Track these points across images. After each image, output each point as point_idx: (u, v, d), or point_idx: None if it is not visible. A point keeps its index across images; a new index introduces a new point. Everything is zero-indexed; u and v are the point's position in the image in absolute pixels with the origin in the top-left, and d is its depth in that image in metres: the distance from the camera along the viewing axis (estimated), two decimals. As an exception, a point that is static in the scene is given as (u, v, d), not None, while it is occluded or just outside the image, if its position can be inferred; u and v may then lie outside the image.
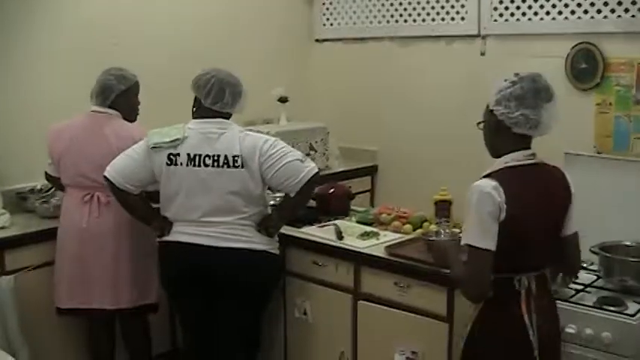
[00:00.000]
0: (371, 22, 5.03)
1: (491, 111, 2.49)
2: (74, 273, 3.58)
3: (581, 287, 3.02)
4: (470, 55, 4.49)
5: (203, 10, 4.88)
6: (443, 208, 3.55)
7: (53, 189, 4.00)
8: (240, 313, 3.41)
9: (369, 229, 3.64)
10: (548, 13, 4.11)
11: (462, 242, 2.49)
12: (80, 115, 3.67)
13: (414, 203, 3.62)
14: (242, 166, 3.20)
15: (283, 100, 4.94)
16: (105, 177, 3.30)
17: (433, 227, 3.52)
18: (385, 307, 3.29)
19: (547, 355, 2.48)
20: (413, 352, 3.23)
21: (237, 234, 3.28)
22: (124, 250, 3.60)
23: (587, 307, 2.84)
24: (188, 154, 3.22)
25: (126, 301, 3.62)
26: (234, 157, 3.18)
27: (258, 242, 3.33)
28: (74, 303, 3.60)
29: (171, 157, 3.23)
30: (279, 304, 3.75)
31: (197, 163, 3.21)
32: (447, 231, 3.40)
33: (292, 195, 3.29)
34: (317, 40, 5.42)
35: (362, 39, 5.07)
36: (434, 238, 3.34)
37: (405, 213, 3.68)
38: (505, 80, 2.48)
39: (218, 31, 4.92)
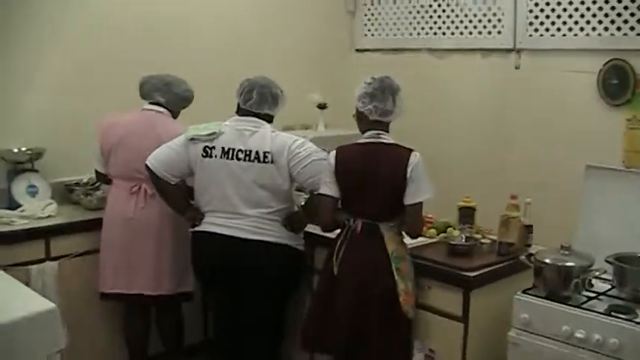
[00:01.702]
0: (410, 34, 5.13)
1: (356, 106, 3.29)
2: (119, 260, 3.77)
3: (594, 295, 3.09)
4: (505, 69, 4.54)
5: (248, 19, 5.04)
6: (466, 214, 3.66)
7: (98, 183, 4.20)
8: (263, 304, 3.56)
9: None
10: (582, 29, 4.14)
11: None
12: (132, 111, 3.87)
13: (440, 209, 3.72)
14: (271, 162, 3.40)
15: (322, 106, 5.08)
16: (146, 165, 3.51)
17: (456, 232, 3.64)
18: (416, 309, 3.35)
19: (344, 274, 3.24)
20: (430, 350, 3.34)
21: (263, 227, 3.45)
22: (166, 240, 3.79)
23: (597, 314, 2.90)
24: (222, 148, 3.42)
25: (166, 288, 3.81)
26: (264, 152, 3.38)
27: (283, 237, 3.51)
28: (117, 288, 3.79)
29: (207, 149, 3.44)
30: (304, 298, 3.85)
31: (230, 156, 3.41)
32: (469, 235, 3.54)
33: (315, 193, 3.43)
34: (357, 50, 5.54)
35: (400, 50, 5.18)
36: (455, 242, 3.49)
37: (430, 218, 3.79)
38: (363, 83, 3.27)
39: (261, 38, 5.08)
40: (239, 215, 3.45)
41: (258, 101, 3.49)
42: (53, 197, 4.12)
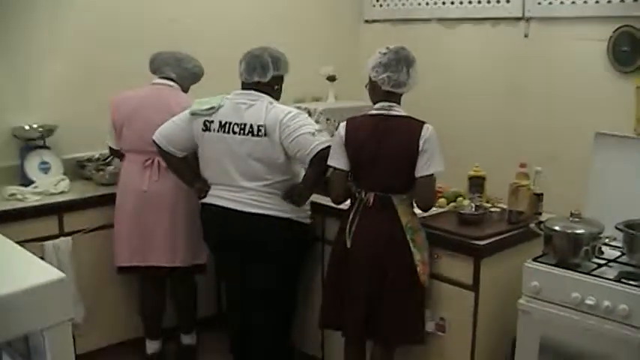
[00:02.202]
0: (419, 4, 5.09)
1: (369, 76, 3.27)
2: (134, 233, 3.81)
3: (604, 262, 3.09)
4: (514, 38, 4.52)
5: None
6: (476, 183, 3.66)
7: (110, 158, 4.24)
8: (267, 277, 3.59)
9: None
10: (591, -4, 4.13)
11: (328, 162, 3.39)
12: (143, 86, 3.90)
13: (450, 179, 3.73)
14: (265, 135, 3.39)
15: (332, 78, 5.06)
16: (153, 140, 3.56)
17: (466, 202, 3.65)
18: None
19: (358, 247, 3.27)
20: (441, 319, 3.37)
21: (261, 201, 3.48)
22: (180, 212, 3.83)
23: (607, 280, 2.91)
24: (220, 122, 3.46)
25: (180, 259, 3.85)
26: (258, 126, 3.39)
27: (283, 210, 3.51)
28: (134, 261, 3.84)
29: (207, 123, 3.48)
30: (315, 270, 3.91)
31: (226, 130, 3.44)
32: (479, 204, 3.55)
33: (306, 167, 3.45)
34: (366, 21, 5.51)
35: (410, 20, 5.15)
36: (465, 211, 3.50)
37: (440, 188, 3.79)
38: (378, 52, 3.24)
39: (269, 10, 5.07)
40: (239, 188, 3.48)
41: (247, 70, 3.49)
42: (65, 173, 4.15)
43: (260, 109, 3.42)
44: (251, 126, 3.41)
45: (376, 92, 3.29)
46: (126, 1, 4.45)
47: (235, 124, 3.43)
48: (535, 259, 3.13)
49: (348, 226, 3.30)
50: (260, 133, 3.39)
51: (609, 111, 3.98)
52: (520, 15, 4.48)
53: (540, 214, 3.52)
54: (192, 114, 3.51)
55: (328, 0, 5.42)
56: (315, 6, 5.34)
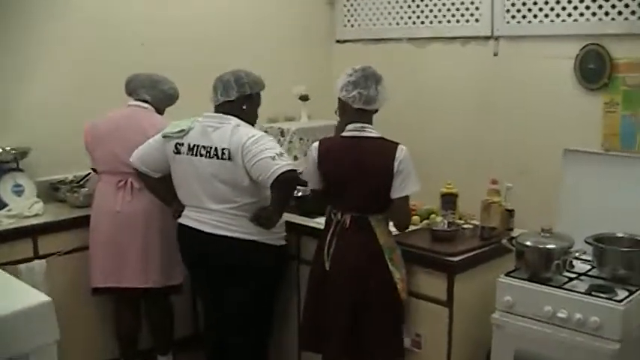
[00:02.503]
0: (390, 24, 5.14)
1: (339, 97, 3.31)
2: (107, 254, 3.81)
3: (575, 275, 3.16)
4: (483, 56, 4.57)
5: (226, 10, 5.05)
6: (449, 200, 3.72)
7: (83, 181, 4.25)
8: (237, 298, 3.60)
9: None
10: (558, 15, 4.18)
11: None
12: (116, 109, 3.93)
13: (423, 197, 3.76)
14: (229, 158, 3.38)
15: (304, 98, 5.10)
16: (130, 161, 3.61)
17: (439, 219, 3.69)
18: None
19: (337, 269, 3.27)
20: (417, 335, 3.40)
21: (228, 223, 3.48)
22: (153, 233, 3.84)
23: (578, 294, 2.98)
24: (189, 145, 3.48)
25: (153, 280, 3.85)
26: (222, 149, 3.39)
27: (247, 232, 3.48)
28: (108, 282, 3.83)
29: (178, 146, 3.50)
30: (292, 291, 3.93)
31: (194, 152, 3.45)
32: (452, 221, 3.60)
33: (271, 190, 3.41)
34: (338, 41, 5.55)
35: (381, 40, 5.20)
36: (438, 228, 3.54)
37: (413, 205, 3.83)
38: (345, 74, 3.30)
39: (241, 31, 5.09)
40: (206, 210, 3.49)
41: (213, 91, 3.53)
42: (39, 196, 4.13)
43: (225, 131, 3.42)
44: (215, 149, 3.41)
45: (347, 112, 3.32)
46: (103, 24, 4.45)
47: (202, 146, 3.44)
48: (507, 274, 3.19)
49: (326, 248, 3.31)
50: (224, 157, 3.39)
51: (578, 127, 4.04)
52: (489, 34, 4.54)
53: (512, 229, 3.59)
54: (164, 136, 3.54)
55: (300, 20, 5.46)
56: (288, 26, 5.37)
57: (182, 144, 3.50)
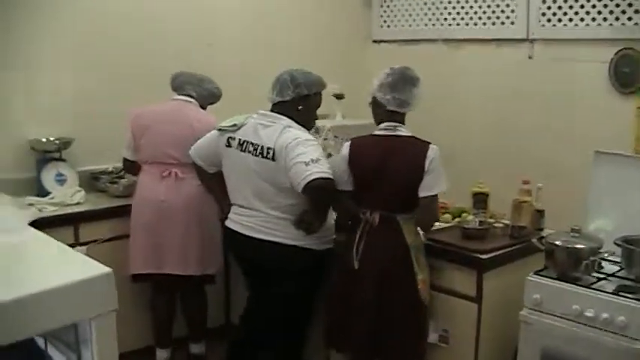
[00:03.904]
0: (425, 25, 5.21)
1: (374, 96, 3.35)
2: (149, 241, 3.92)
3: (603, 276, 3.18)
4: (518, 59, 4.62)
5: (263, 9, 5.16)
6: (480, 199, 3.77)
7: (123, 172, 4.37)
8: (272, 303, 3.63)
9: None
10: (593, 19, 4.21)
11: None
12: (162, 101, 4.04)
13: (455, 196, 3.83)
14: (272, 159, 3.39)
15: (339, 96, 5.16)
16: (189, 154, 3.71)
17: (470, 217, 3.75)
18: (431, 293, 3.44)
19: (366, 268, 3.29)
20: (444, 330, 3.46)
21: (269, 227, 3.48)
22: (194, 222, 3.94)
23: (605, 293, 3.00)
24: (239, 140, 3.51)
25: (193, 268, 3.95)
26: (268, 148, 3.40)
27: (290, 237, 3.47)
28: (148, 268, 3.94)
29: (230, 140, 3.55)
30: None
31: (243, 148, 3.49)
32: (483, 220, 3.65)
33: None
34: (374, 41, 5.63)
35: (416, 40, 5.26)
36: (469, 226, 3.60)
37: (445, 203, 3.90)
38: (383, 73, 3.32)
39: (278, 30, 5.20)
40: (250, 210, 3.52)
41: (270, 90, 3.54)
42: (80, 185, 4.26)
43: (275, 131, 3.41)
44: (262, 147, 3.42)
45: (380, 112, 3.37)
46: (145, 15, 4.59)
47: (251, 143, 3.47)
48: (537, 273, 3.22)
49: (355, 247, 3.34)
50: (268, 156, 3.39)
51: (610, 130, 4.07)
52: (524, 37, 4.58)
53: (542, 229, 3.63)
54: (219, 130, 3.60)
55: (337, 21, 5.55)
56: (324, 27, 5.47)
57: (234, 138, 3.53)
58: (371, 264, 3.30)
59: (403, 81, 3.30)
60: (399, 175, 3.26)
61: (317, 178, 3.23)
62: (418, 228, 3.37)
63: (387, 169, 3.26)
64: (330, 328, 3.54)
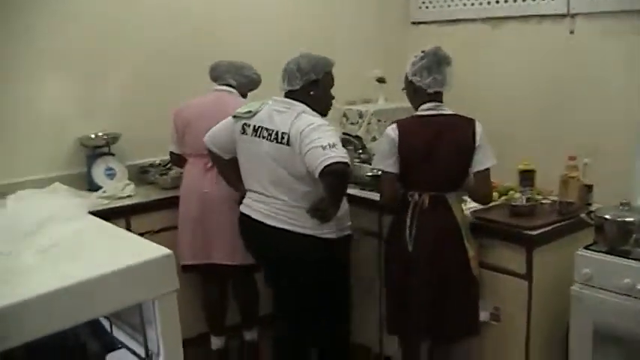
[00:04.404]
0: (464, 5, 5.20)
1: (410, 81, 3.36)
2: (196, 232, 3.98)
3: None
4: (559, 34, 4.60)
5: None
6: (526, 177, 3.76)
7: (170, 164, 4.45)
8: (292, 292, 3.61)
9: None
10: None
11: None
12: (203, 94, 4.10)
13: (501, 174, 3.82)
14: (287, 144, 3.35)
15: (381, 80, 5.19)
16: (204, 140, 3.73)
17: (517, 195, 3.74)
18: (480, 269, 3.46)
19: (420, 249, 3.30)
20: (495, 308, 3.47)
21: (284, 215, 3.45)
22: (238, 212, 3.98)
23: (643, 262, 3.00)
24: (254, 126, 3.50)
25: (241, 258, 3.96)
26: (282, 133, 3.37)
27: (305, 226, 3.42)
28: (197, 259, 4.00)
29: (245, 126, 3.55)
30: (374, 268, 4.00)
31: (258, 134, 3.47)
32: (530, 197, 3.65)
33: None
34: (413, 23, 5.63)
35: (455, 21, 5.26)
36: (517, 203, 3.60)
37: (492, 182, 3.89)
38: (415, 57, 3.34)
39: (317, 14, 5.24)
40: (265, 197, 3.50)
41: (282, 81, 3.53)
42: (129, 179, 4.36)
43: (289, 116, 3.39)
44: (276, 132, 3.39)
45: (419, 95, 3.37)
46: (185, 13, 4.67)
47: (265, 129, 3.45)
48: (586, 247, 3.22)
49: (408, 230, 3.34)
50: (283, 141, 3.37)
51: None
52: (565, 12, 4.55)
53: (590, 204, 3.61)
54: (234, 117, 3.60)
55: (375, 3, 5.57)
56: (362, 9, 5.50)
57: (249, 125, 3.53)
58: (424, 245, 3.31)
59: (438, 62, 3.30)
60: (450, 154, 3.27)
61: (335, 162, 3.18)
62: (470, 203, 3.44)
63: (436, 148, 3.27)
64: (392, 314, 3.56)
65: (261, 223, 3.51)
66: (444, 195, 3.32)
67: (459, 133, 3.27)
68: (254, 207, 3.57)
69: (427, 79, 3.29)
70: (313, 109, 3.45)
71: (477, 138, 3.24)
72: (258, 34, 4.93)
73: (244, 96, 4.15)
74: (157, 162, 4.60)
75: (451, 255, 3.32)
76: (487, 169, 3.28)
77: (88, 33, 4.30)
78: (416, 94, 3.38)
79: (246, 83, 4.13)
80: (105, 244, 2.51)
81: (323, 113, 3.52)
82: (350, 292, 3.86)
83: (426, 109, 3.35)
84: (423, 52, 3.34)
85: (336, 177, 3.22)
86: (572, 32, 4.54)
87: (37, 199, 2.87)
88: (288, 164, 3.39)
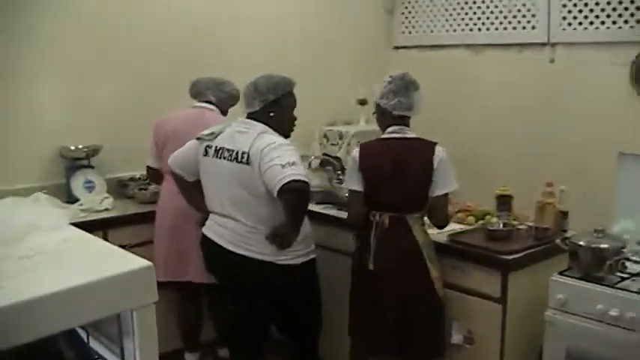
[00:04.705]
0: (447, 31, 5.27)
1: (378, 104, 3.45)
2: (171, 249, 3.96)
3: (627, 276, 3.19)
4: (540, 62, 4.67)
5: (288, 19, 5.24)
6: (503, 202, 3.79)
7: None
8: (254, 312, 3.59)
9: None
10: (614, 22, 4.26)
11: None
12: (183, 108, 4.10)
13: (479, 198, 3.86)
14: (247, 163, 3.33)
15: (363, 102, 5.22)
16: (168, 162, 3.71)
17: (494, 219, 3.78)
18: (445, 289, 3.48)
19: (381, 268, 3.36)
20: (469, 331, 3.49)
21: (243, 240, 3.41)
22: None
23: (630, 293, 3.01)
24: (216, 147, 3.48)
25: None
26: (243, 153, 3.35)
27: (262, 252, 3.37)
28: (169, 276, 3.95)
29: (207, 148, 3.53)
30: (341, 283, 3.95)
31: (219, 155, 3.45)
32: (506, 221, 3.68)
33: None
34: (395, 47, 5.70)
35: (437, 46, 5.32)
36: (493, 227, 3.63)
37: (469, 206, 3.94)
38: (384, 81, 3.42)
39: (302, 36, 5.27)
40: (226, 218, 3.47)
41: (241, 104, 3.58)
42: (108, 192, 4.34)
43: (250, 136, 3.37)
44: (237, 152, 3.37)
45: (386, 118, 3.45)
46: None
47: (227, 149, 3.43)
48: (561, 273, 3.24)
49: (371, 249, 3.39)
50: (243, 160, 3.34)
51: (632, 131, 4.10)
52: (546, 40, 4.62)
53: (566, 230, 3.65)
54: (198, 139, 3.57)
55: (359, 27, 5.62)
56: (346, 33, 5.54)
57: (211, 146, 3.50)
58: (387, 265, 3.36)
59: (405, 86, 3.39)
60: (408, 175, 3.33)
61: (293, 180, 3.13)
62: (430, 227, 3.46)
63: (396, 170, 3.33)
64: (363, 335, 3.57)
65: (221, 247, 3.49)
66: (404, 216, 3.36)
67: (420, 157, 3.33)
68: (215, 230, 3.54)
69: (392, 101, 3.37)
70: (275, 130, 3.44)
71: (435, 162, 3.28)
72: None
73: (224, 113, 4.15)
74: (137, 176, 4.59)
75: (412, 275, 3.35)
76: (445, 194, 3.33)
77: (73, 43, 4.30)
78: (383, 117, 3.47)
79: (225, 99, 4.14)
80: (86, 255, 2.50)
81: (285, 134, 3.49)
82: (317, 315, 3.81)
83: (390, 132, 3.42)
84: (390, 76, 3.44)
85: (295, 195, 3.16)
86: (552, 61, 4.60)
87: (20, 207, 2.86)
88: (248, 184, 3.36)
